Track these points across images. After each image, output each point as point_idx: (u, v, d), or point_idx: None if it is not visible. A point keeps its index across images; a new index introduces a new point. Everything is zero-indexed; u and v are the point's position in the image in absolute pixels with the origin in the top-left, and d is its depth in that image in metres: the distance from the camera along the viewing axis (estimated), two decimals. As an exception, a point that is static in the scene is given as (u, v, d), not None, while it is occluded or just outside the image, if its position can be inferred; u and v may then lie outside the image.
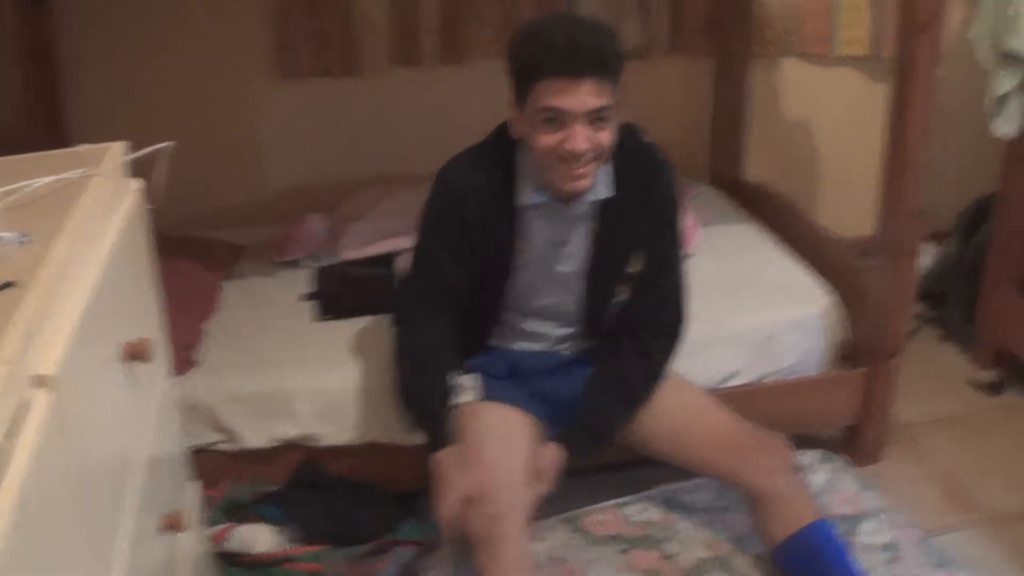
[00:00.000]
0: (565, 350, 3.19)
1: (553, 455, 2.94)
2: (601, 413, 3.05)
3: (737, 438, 3.01)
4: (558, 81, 2.57)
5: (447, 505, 2.74)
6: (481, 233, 2.87)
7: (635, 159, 2.86)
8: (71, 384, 1.43)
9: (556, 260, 2.97)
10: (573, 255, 2.97)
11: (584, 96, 2.58)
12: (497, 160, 2.85)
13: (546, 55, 2.56)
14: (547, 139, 2.65)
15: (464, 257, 2.90)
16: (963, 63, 4.28)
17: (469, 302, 3.01)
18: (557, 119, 2.61)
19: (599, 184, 2.82)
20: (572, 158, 2.66)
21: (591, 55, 2.55)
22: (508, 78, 2.70)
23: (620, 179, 2.86)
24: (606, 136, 2.67)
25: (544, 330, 3.14)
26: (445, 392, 2.97)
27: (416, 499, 3.45)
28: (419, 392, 2.99)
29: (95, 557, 1.51)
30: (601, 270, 3.00)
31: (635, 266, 3.00)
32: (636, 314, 3.08)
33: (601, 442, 3.05)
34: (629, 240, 2.97)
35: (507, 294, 3.01)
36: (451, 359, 3.03)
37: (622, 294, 3.06)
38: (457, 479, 2.76)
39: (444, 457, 2.81)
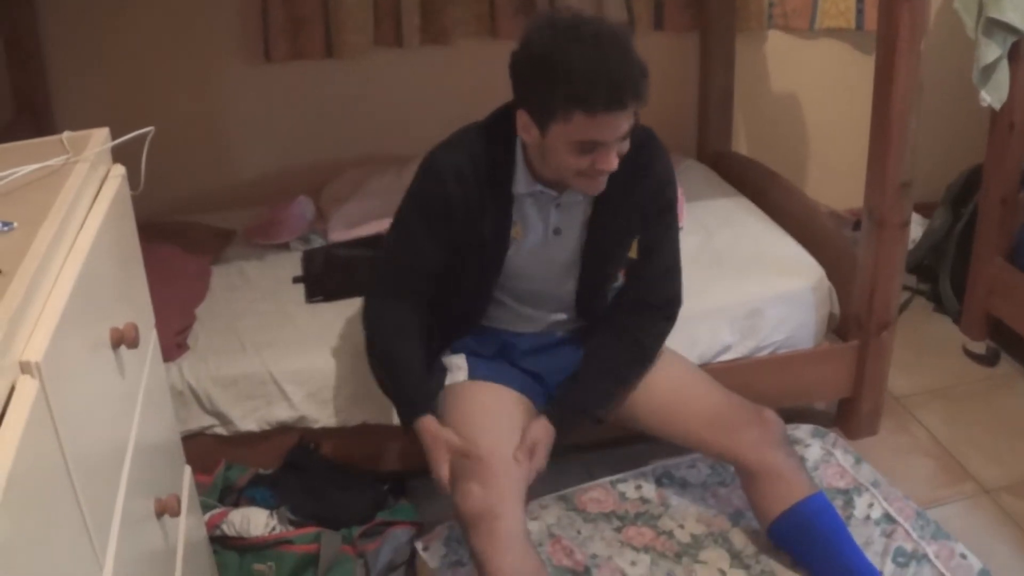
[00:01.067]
0: (558, 331, 3.17)
1: (542, 430, 2.91)
2: (591, 391, 3.03)
3: (727, 413, 2.98)
4: (601, 116, 2.54)
5: (440, 465, 2.77)
6: (463, 218, 2.84)
7: (631, 145, 2.80)
8: (58, 371, 1.43)
9: (551, 247, 2.95)
10: (568, 242, 2.96)
11: (622, 124, 2.58)
12: (491, 147, 2.82)
13: (591, 92, 2.51)
14: (577, 162, 2.64)
15: (442, 240, 2.87)
16: (950, 33, 4.28)
17: (455, 284, 2.99)
18: (591, 146, 2.61)
19: None
20: (601, 174, 2.68)
21: (634, 90, 2.54)
22: (521, 85, 2.65)
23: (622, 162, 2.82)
24: (627, 144, 2.68)
25: (538, 315, 3.12)
26: (408, 365, 2.96)
27: (408, 479, 3.46)
28: (383, 364, 3.00)
29: (88, 542, 1.51)
30: (596, 257, 2.98)
31: (633, 252, 3.00)
32: (632, 295, 3.08)
33: (589, 420, 3.03)
34: (624, 226, 2.96)
35: (500, 279, 3.00)
36: (413, 339, 3.00)
37: (617, 281, 3.07)
38: (448, 441, 2.79)
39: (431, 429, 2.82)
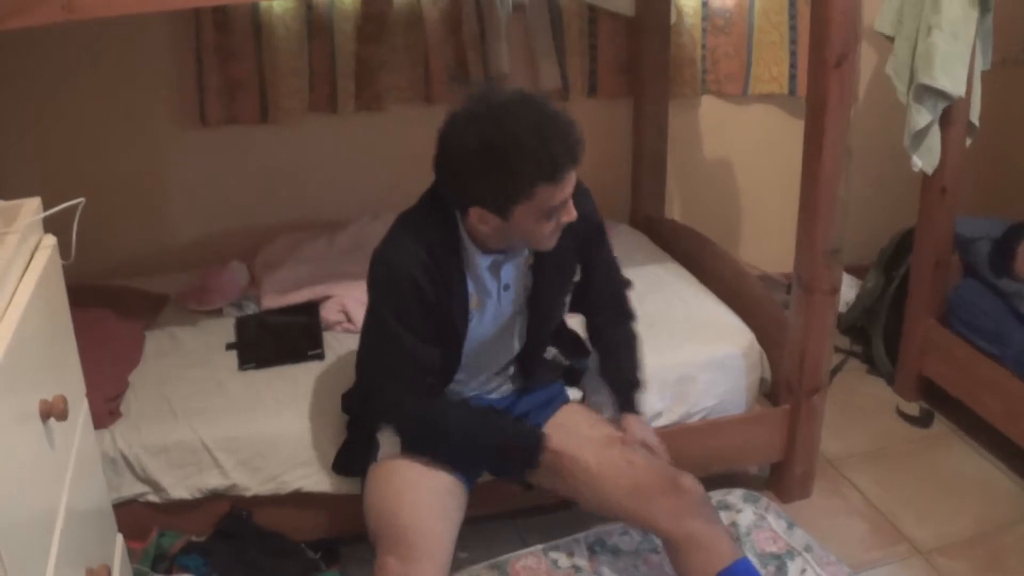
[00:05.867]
0: (493, 393, 3.20)
1: (636, 424, 3.12)
2: (628, 368, 3.26)
3: (644, 481, 2.95)
4: (560, 182, 2.63)
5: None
6: (435, 305, 2.84)
7: None
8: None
9: (502, 304, 2.99)
10: (515, 293, 3.00)
11: (573, 181, 2.69)
12: (434, 233, 2.82)
13: (553, 162, 2.58)
14: (546, 227, 2.73)
15: (428, 335, 2.87)
16: (882, 97, 4.33)
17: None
18: (556, 209, 2.69)
19: None
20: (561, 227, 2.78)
21: (577, 151, 2.63)
22: (472, 183, 2.66)
23: None
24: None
25: (482, 377, 3.16)
26: (494, 415, 3.09)
27: (340, 546, 3.46)
28: (477, 435, 3.01)
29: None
30: (544, 296, 3.04)
31: (575, 275, 3.12)
32: (589, 309, 3.25)
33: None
34: (566, 258, 3.02)
35: (463, 354, 3.02)
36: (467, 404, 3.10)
37: (558, 321, 3.23)
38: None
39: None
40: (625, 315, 3.32)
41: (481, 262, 2.86)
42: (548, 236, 2.77)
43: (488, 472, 3.17)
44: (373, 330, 2.97)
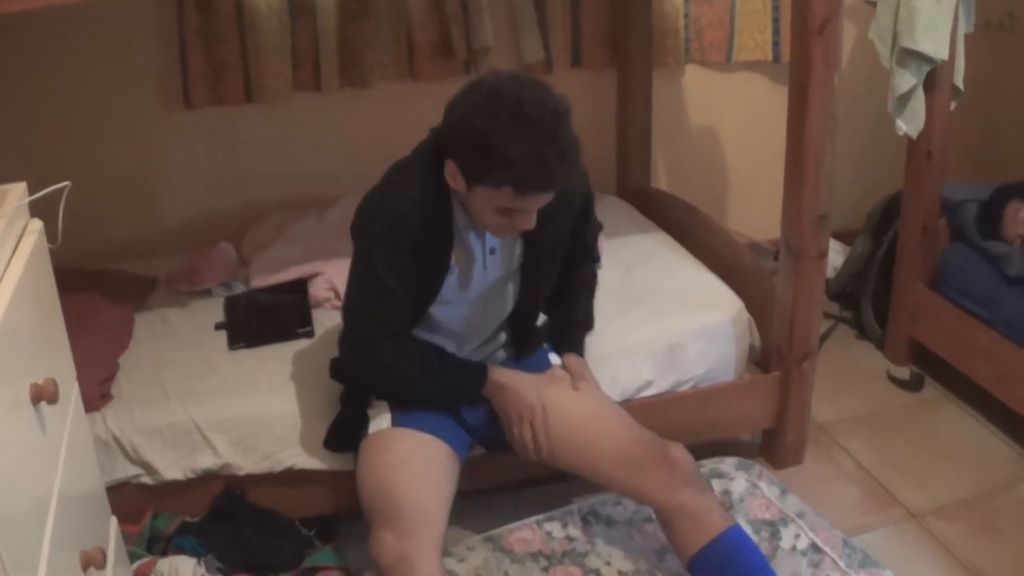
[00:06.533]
0: (488, 361, 3.18)
1: (575, 363, 3.18)
2: (583, 309, 3.35)
3: (634, 452, 2.98)
4: (525, 196, 2.62)
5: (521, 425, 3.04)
6: (427, 254, 2.85)
7: None
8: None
9: (488, 267, 2.98)
10: (504, 259, 3.00)
11: (545, 199, 2.68)
12: (428, 183, 2.82)
13: (526, 179, 2.57)
14: (496, 220, 2.73)
15: (408, 278, 2.87)
16: (866, 63, 4.33)
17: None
18: (513, 211, 2.69)
19: None
20: (517, 230, 2.78)
21: (565, 175, 2.62)
22: (457, 146, 2.66)
23: None
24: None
25: (473, 344, 3.18)
26: (452, 357, 3.09)
27: (335, 524, 3.46)
28: (433, 377, 3.04)
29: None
30: (536, 265, 3.05)
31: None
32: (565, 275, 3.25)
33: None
34: (557, 232, 3.02)
35: (438, 313, 3.02)
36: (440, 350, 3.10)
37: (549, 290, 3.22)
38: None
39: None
40: (590, 257, 3.36)
41: (463, 219, 2.87)
42: (495, 228, 2.78)
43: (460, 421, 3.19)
44: (362, 277, 2.94)
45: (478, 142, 2.57)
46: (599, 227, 3.42)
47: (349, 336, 3.04)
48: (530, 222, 2.73)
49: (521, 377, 3.06)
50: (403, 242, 2.81)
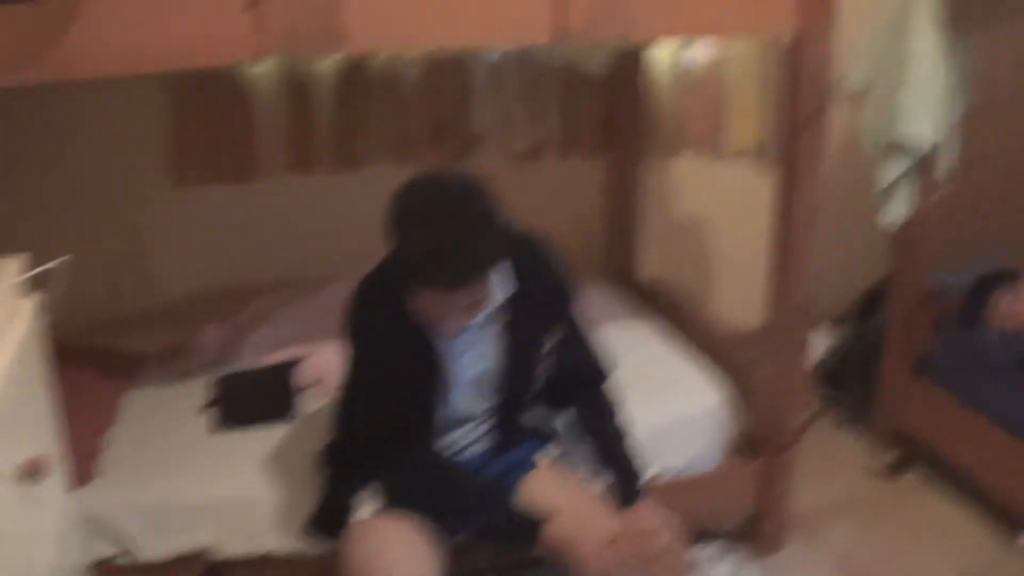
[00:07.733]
0: (473, 449, 3.17)
1: (650, 512, 3.02)
2: (625, 459, 3.14)
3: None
4: (440, 293, 2.62)
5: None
6: (406, 355, 2.87)
7: (526, 249, 2.90)
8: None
9: (470, 364, 2.97)
10: (486, 354, 2.98)
11: (459, 300, 2.66)
12: (396, 286, 2.79)
13: (425, 275, 2.59)
14: (424, 317, 2.74)
15: (395, 385, 2.89)
16: (851, 150, 4.36)
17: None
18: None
19: (498, 286, 2.81)
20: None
21: (473, 270, 2.60)
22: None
23: (519, 271, 2.87)
24: (484, 301, 2.74)
25: (457, 435, 3.14)
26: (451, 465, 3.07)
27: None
28: (431, 481, 3.03)
29: None
30: (517, 360, 3.02)
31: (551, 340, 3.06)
32: (564, 384, 3.16)
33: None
34: (539, 324, 3.01)
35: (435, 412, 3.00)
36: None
37: (538, 383, 3.13)
38: None
39: None
40: (597, 379, 3.25)
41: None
42: (433, 325, 2.78)
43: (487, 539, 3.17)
44: (358, 380, 2.96)
45: (390, 236, 2.61)
46: (607, 364, 3.31)
47: (346, 447, 3.09)
48: (452, 328, 2.76)
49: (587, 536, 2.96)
50: (379, 346, 2.85)
